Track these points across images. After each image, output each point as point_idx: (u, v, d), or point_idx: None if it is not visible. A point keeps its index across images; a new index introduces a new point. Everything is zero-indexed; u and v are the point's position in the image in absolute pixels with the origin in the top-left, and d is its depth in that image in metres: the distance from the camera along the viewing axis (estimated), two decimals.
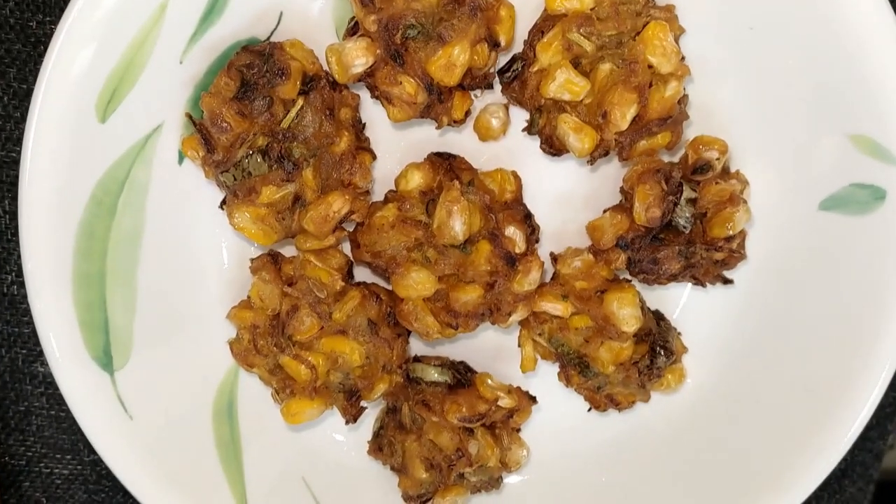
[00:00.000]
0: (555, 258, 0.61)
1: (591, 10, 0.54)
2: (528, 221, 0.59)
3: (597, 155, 0.57)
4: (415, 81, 0.55)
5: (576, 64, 0.55)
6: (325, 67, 0.57)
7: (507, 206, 0.58)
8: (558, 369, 0.62)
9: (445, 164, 0.59)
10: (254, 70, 0.54)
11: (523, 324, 0.61)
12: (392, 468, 0.63)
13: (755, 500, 0.60)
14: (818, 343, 0.59)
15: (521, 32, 0.58)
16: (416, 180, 0.58)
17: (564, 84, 0.55)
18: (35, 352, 0.68)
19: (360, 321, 0.58)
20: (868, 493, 0.75)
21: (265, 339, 0.59)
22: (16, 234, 0.66)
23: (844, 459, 0.61)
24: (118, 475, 0.60)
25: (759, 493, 0.60)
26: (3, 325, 0.67)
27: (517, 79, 0.57)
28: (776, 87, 0.57)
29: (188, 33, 0.56)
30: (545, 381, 0.63)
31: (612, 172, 0.61)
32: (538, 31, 0.56)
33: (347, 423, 0.60)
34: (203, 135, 0.55)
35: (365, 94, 0.59)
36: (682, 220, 0.57)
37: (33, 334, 0.67)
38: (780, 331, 0.61)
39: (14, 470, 0.70)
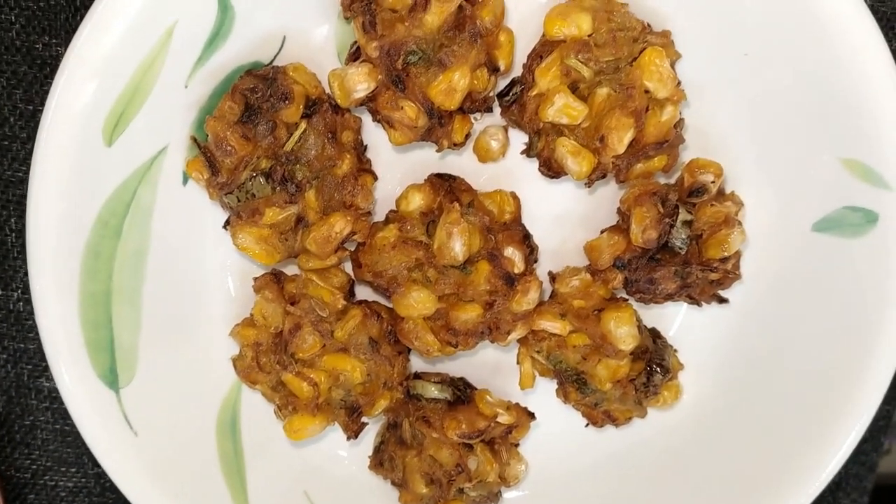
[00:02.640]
0: (553, 277, 0.61)
1: (589, 36, 0.54)
2: (526, 242, 0.59)
3: (594, 177, 0.57)
4: (416, 106, 0.55)
5: (574, 88, 0.55)
6: (328, 91, 0.57)
7: (506, 227, 0.59)
8: (556, 386, 0.63)
9: (445, 186, 0.59)
10: (257, 94, 0.54)
11: (522, 341, 0.61)
12: (393, 483, 0.63)
13: None
14: (812, 361, 0.60)
15: (520, 57, 0.58)
16: (417, 201, 0.58)
17: (562, 108, 0.55)
18: (40, 367, 0.68)
19: (361, 339, 0.59)
20: None
21: (268, 357, 0.59)
22: (22, 251, 0.66)
23: (839, 472, 0.61)
24: (123, 490, 0.60)
25: None
26: (9, 340, 0.68)
27: (516, 102, 0.58)
28: (770, 112, 0.58)
29: (193, 58, 0.56)
30: (543, 397, 0.64)
31: (610, 194, 0.62)
32: (537, 56, 0.57)
33: (349, 438, 0.61)
34: (207, 157, 0.56)
35: (367, 118, 0.59)
36: (678, 242, 0.57)
37: (39, 350, 0.68)
38: (775, 348, 0.61)
39: (19, 483, 0.70)
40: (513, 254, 0.57)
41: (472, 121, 0.59)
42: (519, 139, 0.61)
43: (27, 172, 0.64)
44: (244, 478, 0.63)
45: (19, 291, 0.67)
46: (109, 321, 0.59)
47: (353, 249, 0.60)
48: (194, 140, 0.57)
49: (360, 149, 0.59)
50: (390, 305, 0.59)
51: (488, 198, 0.59)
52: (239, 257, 0.62)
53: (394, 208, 0.60)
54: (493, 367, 0.64)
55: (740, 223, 0.58)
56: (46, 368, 0.68)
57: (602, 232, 0.60)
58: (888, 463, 0.95)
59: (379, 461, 0.63)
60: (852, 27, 0.54)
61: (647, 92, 0.54)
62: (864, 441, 0.73)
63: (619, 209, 0.60)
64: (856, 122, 0.55)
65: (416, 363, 0.64)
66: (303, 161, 0.56)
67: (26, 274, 0.64)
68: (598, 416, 0.62)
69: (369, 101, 0.56)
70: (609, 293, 0.60)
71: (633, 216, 0.57)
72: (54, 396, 0.69)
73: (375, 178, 0.60)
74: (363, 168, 0.59)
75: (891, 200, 0.56)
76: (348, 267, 0.61)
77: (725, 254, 0.57)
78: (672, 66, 0.55)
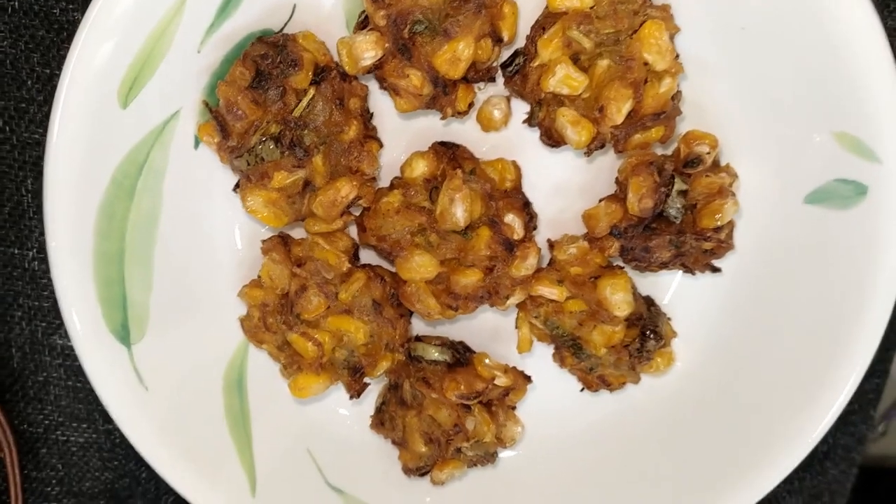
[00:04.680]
0: (551, 245, 0.62)
1: (591, 8, 0.55)
2: (526, 209, 0.60)
3: (593, 147, 0.58)
4: (421, 74, 0.56)
5: (575, 60, 0.56)
6: (336, 59, 0.58)
7: (506, 195, 0.60)
8: (553, 351, 0.64)
9: (449, 153, 0.60)
10: (268, 60, 0.55)
11: (520, 307, 0.62)
12: (393, 442, 0.64)
13: (739, 476, 0.62)
14: (801, 329, 0.61)
15: (524, 28, 0.58)
16: (421, 168, 0.59)
17: (564, 79, 0.56)
18: (54, 325, 0.69)
19: (364, 301, 0.59)
20: (850, 476, 0.77)
21: (274, 317, 0.60)
22: (37, 212, 0.67)
23: (826, 442, 0.62)
24: (133, 443, 0.61)
25: (743, 470, 0.62)
26: (24, 298, 0.68)
27: (519, 73, 0.58)
28: (766, 86, 0.58)
29: (206, 24, 0.57)
30: (540, 361, 0.65)
31: (608, 164, 0.62)
32: (539, 27, 0.57)
33: (351, 398, 0.62)
34: (219, 121, 0.56)
35: (373, 86, 0.60)
36: (674, 211, 0.58)
37: (53, 308, 0.69)
38: (765, 317, 0.62)
39: (32, 437, 0.71)
40: (513, 220, 0.58)
41: (476, 90, 0.60)
42: (521, 109, 0.61)
43: (43, 135, 0.65)
44: (249, 433, 0.64)
45: (34, 251, 0.68)
46: (122, 279, 0.59)
47: (358, 214, 0.61)
48: (206, 104, 0.58)
49: (366, 116, 0.60)
50: (393, 269, 0.60)
51: (490, 166, 0.60)
52: (247, 220, 0.62)
53: (398, 175, 0.61)
54: (491, 331, 0.65)
55: (734, 194, 0.58)
56: (60, 326, 0.69)
57: (600, 201, 0.61)
58: (882, 445, 0.97)
59: (380, 420, 0.64)
60: (847, 4, 0.54)
61: (646, 64, 0.55)
62: (853, 413, 0.74)
63: (616, 179, 0.60)
64: (848, 97, 0.56)
65: (418, 326, 0.65)
66: (311, 127, 0.56)
67: (41, 234, 0.66)
68: (593, 380, 0.63)
69: (376, 69, 0.57)
70: (605, 261, 0.61)
71: (630, 185, 0.57)
72: (67, 353, 0.70)
73: (381, 145, 0.61)
74: (369, 135, 0.60)
75: (880, 173, 0.56)
76: (353, 232, 0.62)
77: (719, 223, 0.57)
78: (671, 39, 0.55)
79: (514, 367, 0.63)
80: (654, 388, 0.65)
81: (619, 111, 0.55)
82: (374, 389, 0.65)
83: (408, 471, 0.64)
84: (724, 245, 0.59)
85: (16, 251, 0.68)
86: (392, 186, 0.60)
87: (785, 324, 0.62)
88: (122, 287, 0.60)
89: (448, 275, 0.59)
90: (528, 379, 0.64)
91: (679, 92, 0.58)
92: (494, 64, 0.59)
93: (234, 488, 0.63)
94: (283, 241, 0.60)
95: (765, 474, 0.62)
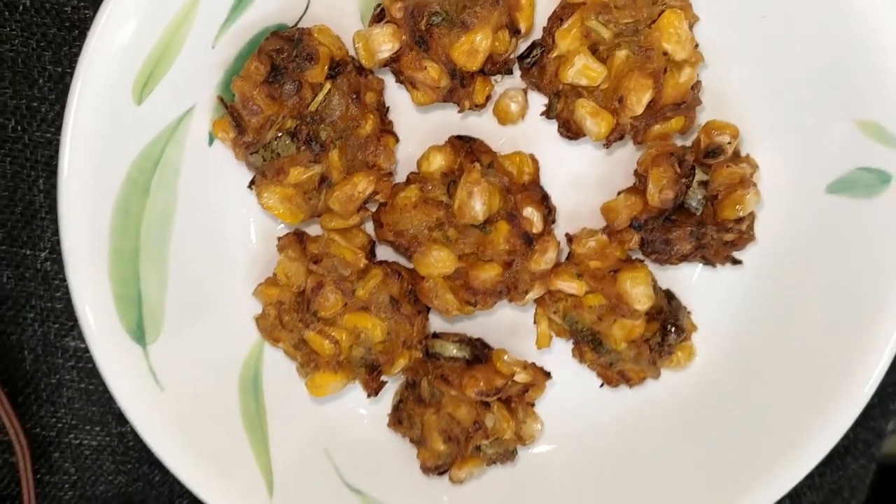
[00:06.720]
0: (570, 238, 0.61)
1: None
2: (545, 202, 0.60)
3: (612, 139, 0.58)
4: (438, 66, 0.55)
5: (593, 50, 0.56)
6: (352, 53, 0.57)
7: (524, 188, 0.59)
8: (572, 346, 0.63)
9: (466, 147, 0.60)
10: (283, 55, 0.55)
11: (539, 302, 0.62)
12: (411, 440, 0.64)
13: (762, 472, 0.61)
14: (823, 322, 0.60)
15: (541, 20, 0.58)
16: (438, 162, 0.59)
17: (582, 70, 0.55)
18: (67, 326, 0.69)
19: (382, 298, 0.59)
20: (869, 471, 0.76)
21: (290, 315, 0.60)
22: (49, 212, 0.67)
23: (847, 437, 0.61)
24: (149, 444, 0.61)
25: (766, 466, 0.61)
26: (36, 300, 0.68)
27: (536, 64, 0.58)
28: (786, 74, 0.58)
29: (221, 19, 0.57)
30: (559, 357, 0.64)
31: (627, 156, 0.62)
32: (557, 18, 0.57)
33: (369, 396, 0.61)
34: (234, 117, 0.56)
35: (389, 79, 0.60)
36: (694, 202, 0.58)
37: (66, 309, 0.68)
38: (787, 310, 0.62)
39: (45, 440, 0.71)
40: (531, 214, 0.58)
41: (493, 83, 0.60)
42: (538, 102, 0.61)
43: (55, 134, 0.65)
44: (266, 433, 0.63)
45: (47, 251, 0.68)
46: (137, 278, 0.59)
47: (374, 210, 0.61)
48: (221, 100, 0.58)
49: (382, 110, 0.60)
50: (411, 265, 0.60)
51: (507, 159, 0.60)
52: (263, 217, 0.62)
53: (415, 169, 0.60)
54: (510, 327, 0.65)
55: (755, 184, 0.58)
56: (73, 328, 0.69)
57: (619, 193, 0.60)
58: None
59: (398, 419, 0.64)
60: None
61: (665, 54, 0.55)
62: (873, 407, 0.74)
63: (636, 170, 0.60)
64: (871, 84, 0.56)
65: (435, 323, 0.65)
66: (327, 121, 0.56)
67: (54, 234, 0.66)
68: (613, 375, 0.63)
69: (393, 62, 0.57)
70: (625, 254, 0.61)
71: (650, 176, 0.57)
72: (80, 355, 0.69)
73: (397, 139, 0.61)
74: (385, 129, 0.60)
75: None
76: (370, 227, 0.62)
77: (740, 214, 0.57)
78: (690, 28, 0.55)
79: (534, 364, 0.63)
80: (675, 383, 0.65)
81: (638, 102, 0.55)
82: (392, 387, 0.65)
83: (426, 470, 0.64)
84: (745, 236, 0.59)
85: (28, 252, 0.68)
86: (409, 181, 0.60)
87: (807, 316, 0.61)
88: (138, 286, 0.59)
89: (466, 270, 0.58)
90: (547, 375, 0.64)
91: (699, 82, 0.58)
92: (512, 56, 0.59)
93: (250, 489, 0.63)
94: (299, 237, 0.60)
95: (788, 470, 0.61)
